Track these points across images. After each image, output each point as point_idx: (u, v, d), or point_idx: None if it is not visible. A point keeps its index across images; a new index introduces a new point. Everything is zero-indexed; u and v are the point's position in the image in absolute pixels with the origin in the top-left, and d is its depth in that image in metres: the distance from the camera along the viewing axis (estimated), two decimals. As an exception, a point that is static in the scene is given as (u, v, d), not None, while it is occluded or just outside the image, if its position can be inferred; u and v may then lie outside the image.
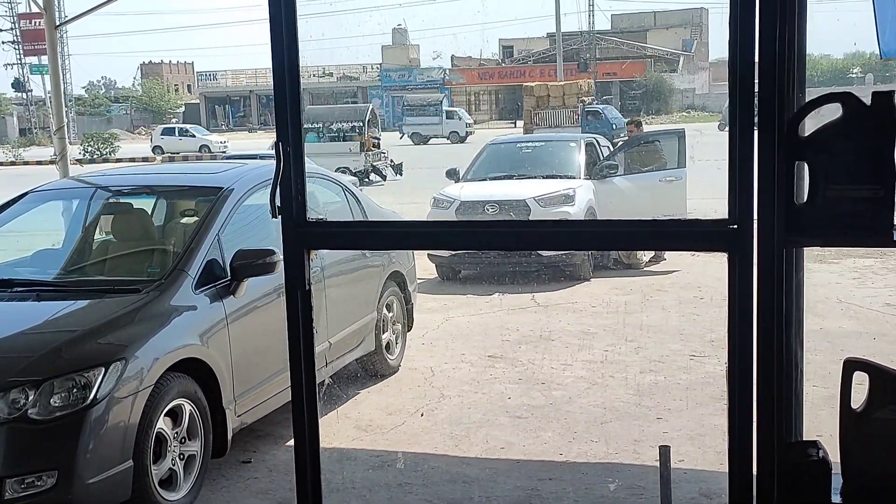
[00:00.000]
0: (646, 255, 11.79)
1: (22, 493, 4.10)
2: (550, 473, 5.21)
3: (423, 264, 11.02)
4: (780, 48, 2.55)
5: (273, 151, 2.93)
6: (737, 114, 2.58)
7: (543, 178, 11.40)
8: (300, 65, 2.97)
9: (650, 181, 11.74)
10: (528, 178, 11.52)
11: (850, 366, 2.57)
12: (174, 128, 46.67)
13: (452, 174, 12.10)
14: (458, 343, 8.04)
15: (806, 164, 2.55)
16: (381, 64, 52.55)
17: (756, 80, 2.55)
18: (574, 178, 11.35)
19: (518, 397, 6.51)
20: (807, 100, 2.67)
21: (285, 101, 2.93)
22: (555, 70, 44.69)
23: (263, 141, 37.37)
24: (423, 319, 8.45)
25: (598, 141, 12.66)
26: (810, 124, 2.63)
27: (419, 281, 10.18)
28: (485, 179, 11.71)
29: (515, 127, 39.35)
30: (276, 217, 2.96)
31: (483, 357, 7.57)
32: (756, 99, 2.56)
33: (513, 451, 5.57)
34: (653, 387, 6.59)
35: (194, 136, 43.58)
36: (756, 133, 2.57)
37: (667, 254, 11.64)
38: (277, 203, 2.95)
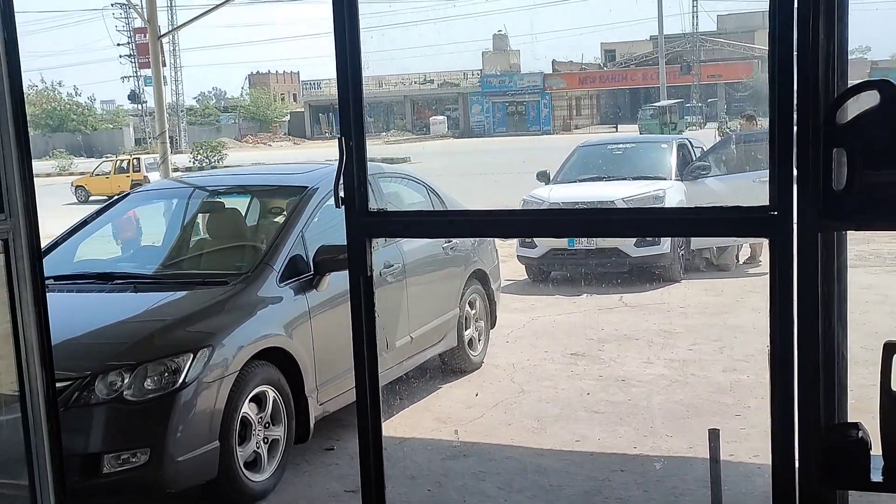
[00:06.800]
0: (739, 258, 11.66)
1: (118, 468, 4.41)
2: (623, 466, 5.28)
3: (513, 266, 11.16)
4: (819, 37, 2.60)
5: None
6: (776, 102, 2.65)
7: (633, 179, 11.37)
8: (362, 64, 3.15)
9: (743, 182, 11.56)
10: (619, 179, 11.51)
11: (891, 348, 2.60)
12: None
13: (543, 176, 12.18)
14: (542, 341, 8.14)
15: (844, 151, 2.59)
16: (481, 70, 52.81)
17: (795, 69, 2.61)
18: (664, 179, 11.29)
19: (597, 393, 6.59)
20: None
21: (348, 98, 3.11)
22: (657, 73, 44.16)
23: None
24: (510, 318, 8.58)
25: (690, 142, 12.56)
26: (853, 112, 2.68)
27: (508, 282, 10.34)
28: (574, 181, 11.75)
29: (617, 131, 38.99)
30: (339, 207, 3.15)
31: (566, 355, 7.66)
32: (795, 88, 2.62)
33: (588, 444, 5.66)
34: (735, 385, 6.57)
35: None
36: (796, 121, 2.63)
37: (763, 255, 11.49)
38: (341, 194, 3.14)
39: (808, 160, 2.63)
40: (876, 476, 2.61)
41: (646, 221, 3.13)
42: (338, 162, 3.12)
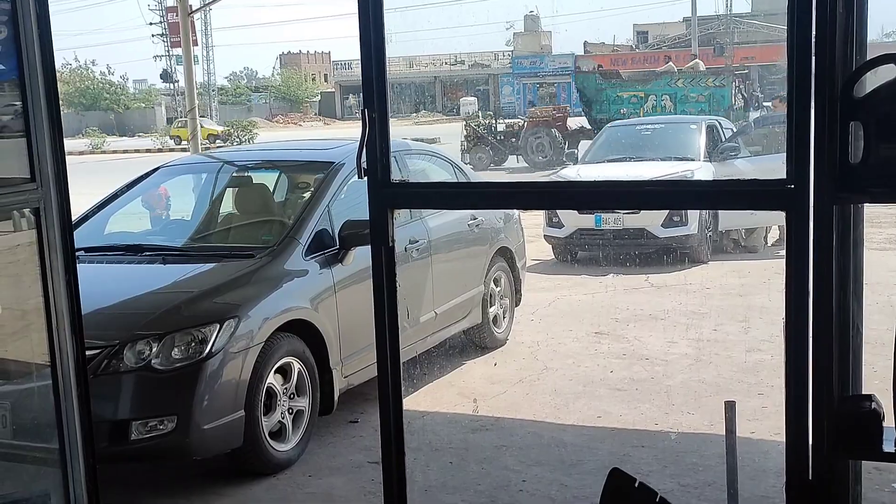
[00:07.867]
0: (768, 239, 11.60)
1: (146, 434, 4.52)
2: (644, 441, 5.32)
3: (541, 246, 11.19)
4: (837, 10, 2.61)
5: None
6: (794, 76, 2.66)
7: (662, 160, 11.33)
8: (386, 38, 3.19)
9: (774, 163, 11.47)
10: (647, 160, 11.47)
11: (904, 322, 2.62)
12: None
13: (571, 157, 12.19)
14: (566, 320, 8.17)
15: (861, 125, 2.60)
16: (512, 51, 52.56)
17: (813, 42, 2.62)
18: (693, 160, 11.24)
19: (620, 371, 6.62)
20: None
21: (371, 70, 3.15)
22: (689, 55, 43.81)
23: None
24: (535, 297, 8.61)
25: (720, 123, 12.49)
26: (871, 86, 2.68)
27: (535, 262, 10.38)
28: (602, 162, 11.74)
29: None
30: (362, 178, 3.20)
31: (590, 333, 7.69)
32: (813, 61, 2.63)
33: (609, 419, 5.70)
34: (758, 365, 6.57)
35: None
36: (813, 95, 2.64)
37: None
38: (364, 165, 3.19)
39: (825, 133, 2.64)
40: (888, 447, 2.63)
41: (664, 194, 3.15)
42: (361, 133, 3.18)
